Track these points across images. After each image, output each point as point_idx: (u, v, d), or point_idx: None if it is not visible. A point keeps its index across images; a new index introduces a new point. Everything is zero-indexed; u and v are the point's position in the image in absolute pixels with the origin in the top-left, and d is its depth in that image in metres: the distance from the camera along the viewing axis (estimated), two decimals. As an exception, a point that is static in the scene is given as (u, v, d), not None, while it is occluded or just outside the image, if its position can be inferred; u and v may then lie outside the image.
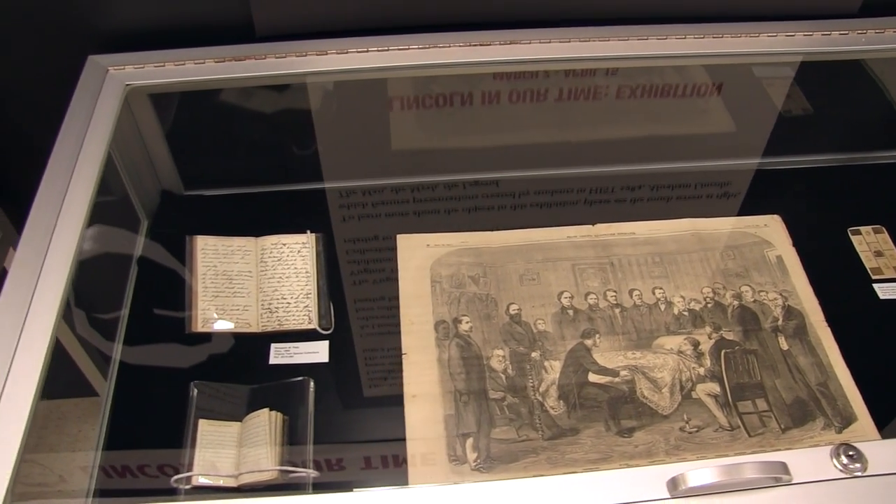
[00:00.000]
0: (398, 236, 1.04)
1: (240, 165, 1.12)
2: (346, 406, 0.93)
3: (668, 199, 1.13)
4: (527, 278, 1.01)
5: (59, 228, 0.77)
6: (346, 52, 0.93)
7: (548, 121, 1.16)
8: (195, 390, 0.93)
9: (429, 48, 0.93)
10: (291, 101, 1.09)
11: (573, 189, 1.13)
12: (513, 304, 0.99)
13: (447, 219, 1.09)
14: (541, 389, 0.91)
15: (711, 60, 1.14)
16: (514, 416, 0.89)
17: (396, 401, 0.90)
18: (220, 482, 0.86)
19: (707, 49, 1.10)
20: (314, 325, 0.95)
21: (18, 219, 1.25)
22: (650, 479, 0.63)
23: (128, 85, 0.92)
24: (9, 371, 0.67)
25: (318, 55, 0.94)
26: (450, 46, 0.94)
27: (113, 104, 0.89)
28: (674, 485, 0.62)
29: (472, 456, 0.86)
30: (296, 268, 0.98)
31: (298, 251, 0.99)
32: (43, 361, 0.68)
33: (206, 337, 0.96)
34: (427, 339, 0.96)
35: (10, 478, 0.60)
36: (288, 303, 0.97)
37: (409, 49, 0.93)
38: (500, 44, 0.99)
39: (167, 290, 0.99)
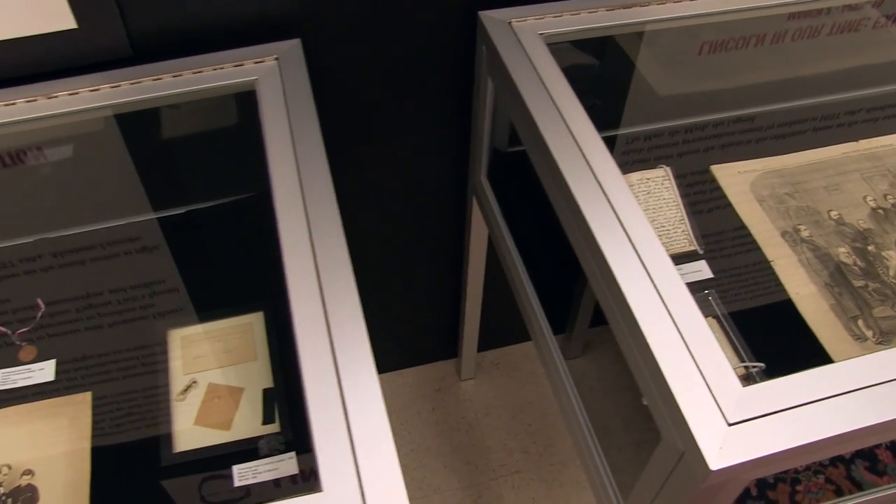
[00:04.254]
0: (712, 167, 1.19)
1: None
2: (741, 310, 1.07)
3: (880, 120, 1.34)
4: (831, 189, 1.19)
5: (604, 177, 0.85)
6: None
7: (776, 61, 1.35)
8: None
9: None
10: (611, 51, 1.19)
11: (807, 118, 1.32)
12: (832, 210, 1.16)
13: (732, 151, 1.25)
14: (891, 273, 1.10)
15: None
16: (883, 297, 1.07)
17: (779, 298, 1.05)
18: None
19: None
20: (695, 247, 1.08)
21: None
22: None
23: (540, 34, 0.99)
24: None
25: (675, 2, 1.05)
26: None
27: (546, 57, 0.96)
28: None
29: (868, 333, 1.03)
30: (664, 198, 1.10)
31: (661, 183, 1.11)
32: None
33: None
34: (782, 247, 1.11)
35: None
36: (667, 230, 1.09)
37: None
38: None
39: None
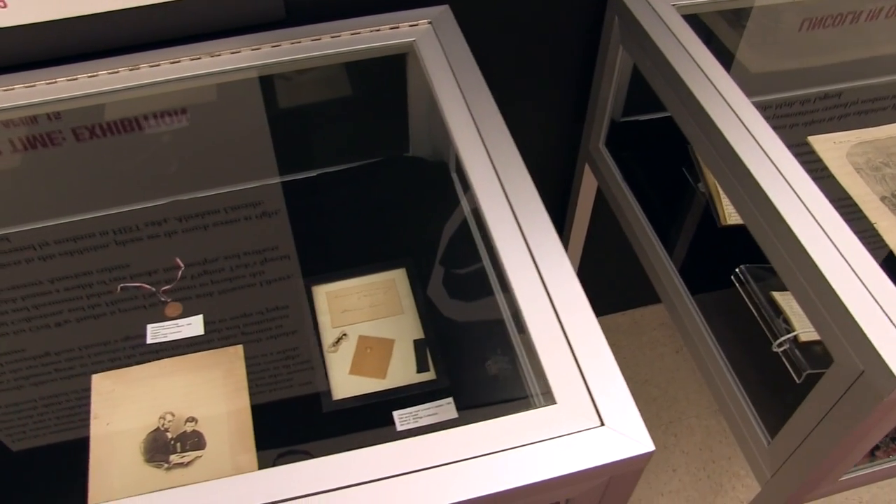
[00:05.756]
0: (810, 138, 1.25)
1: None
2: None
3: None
4: (922, 158, 1.26)
5: (760, 137, 0.92)
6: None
7: (865, 38, 1.42)
8: (744, 273, 1.09)
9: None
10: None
11: (888, 95, 1.39)
12: (925, 177, 1.23)
13: (821, 125, 1.31)
14: None
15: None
16: (981, 255, 1.14)
17: (885, 256, 1.11)
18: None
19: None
20: (806, 210, 1.14)
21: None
22: None
23: (673, 5, 1.05)
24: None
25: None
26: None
27: (683, 27, 1.02)
28: None
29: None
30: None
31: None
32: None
33: (738, 228, 1.12)
34: (883, 211, 1.17)
35: None
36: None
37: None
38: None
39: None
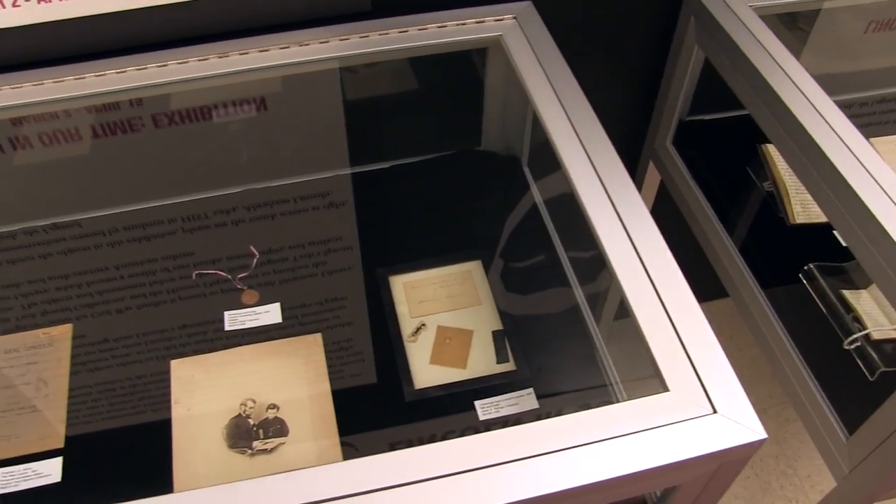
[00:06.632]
0: (873, 139, 1.26)
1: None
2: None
3: None
4: (981, 160, 1.27)
5: (845, 135, 0.93)
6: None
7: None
8: (813, 271, 1.10)
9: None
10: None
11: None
12: None
13: (879, 128, 1.32)
14: None
15: None
16: None
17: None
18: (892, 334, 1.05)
19: None
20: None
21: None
22: None
23: (750, 6, 1.06)
24: None
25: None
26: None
27: (762, 27, 1.03)
28: None
29: None
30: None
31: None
32: None
33: (805, 227, 1.13)
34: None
35: None
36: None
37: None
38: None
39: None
